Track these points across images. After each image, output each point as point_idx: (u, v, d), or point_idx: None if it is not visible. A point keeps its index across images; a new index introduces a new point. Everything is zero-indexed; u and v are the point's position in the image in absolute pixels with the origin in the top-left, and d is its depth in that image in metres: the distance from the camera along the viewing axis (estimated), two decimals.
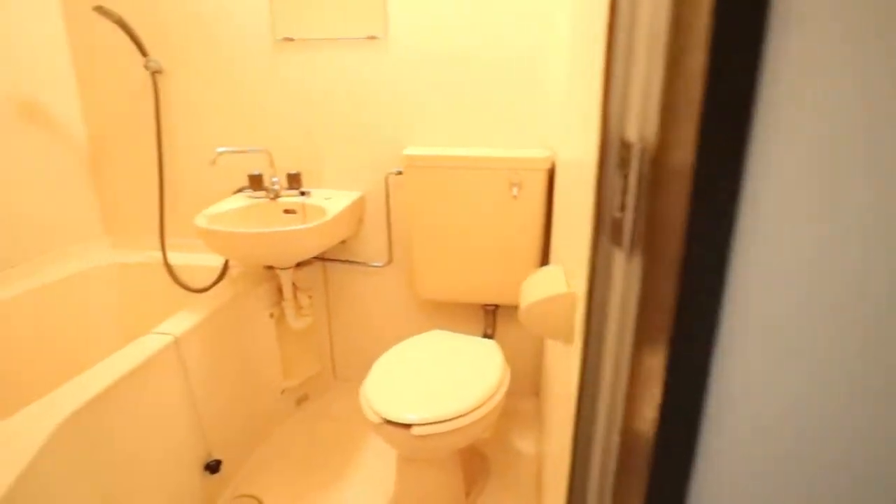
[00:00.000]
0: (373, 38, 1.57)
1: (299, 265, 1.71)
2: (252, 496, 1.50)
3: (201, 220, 1.45)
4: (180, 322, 1.36)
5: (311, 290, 1.78)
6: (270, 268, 1.73)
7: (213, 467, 1.42)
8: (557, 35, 1.47)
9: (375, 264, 1.81)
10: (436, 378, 1.32)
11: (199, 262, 1.80)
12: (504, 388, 1.33)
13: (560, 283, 0.86)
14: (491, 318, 1.74)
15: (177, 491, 1.31)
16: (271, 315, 1.67)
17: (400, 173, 1.65)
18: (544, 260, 1.63)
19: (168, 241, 1.82)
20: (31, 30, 1.61)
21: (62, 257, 1.76)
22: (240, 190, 1.73)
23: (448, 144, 1.64)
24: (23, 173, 1.62)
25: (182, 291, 1.77)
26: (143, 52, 1.63)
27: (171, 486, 1.29)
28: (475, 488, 1.49)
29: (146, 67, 1.65)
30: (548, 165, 1.48)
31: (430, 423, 1.17)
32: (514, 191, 1.50)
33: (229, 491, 1.51)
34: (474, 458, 1.60)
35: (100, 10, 1.50)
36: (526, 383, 1.90)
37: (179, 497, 1.32)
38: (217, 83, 1.69)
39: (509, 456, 1.64)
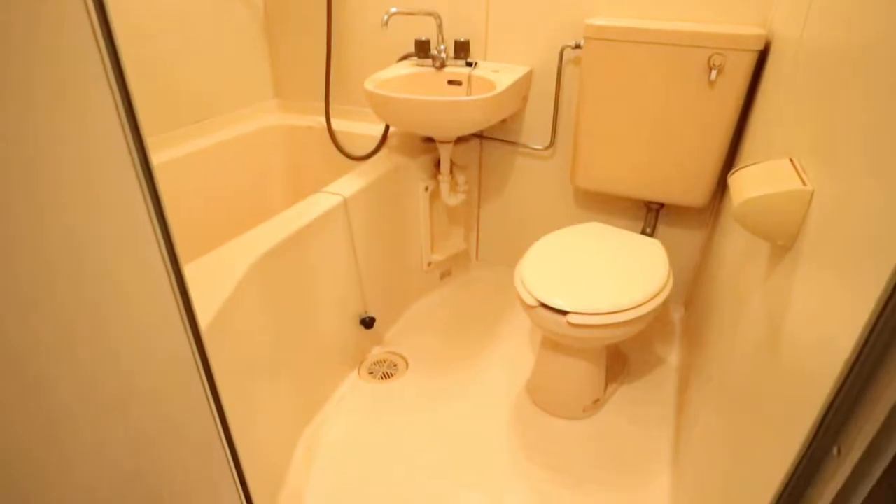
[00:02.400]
0: None
1: (458, 141, 1.67)
2: (399, 354, 1.61)
3: (370, 85, 1.44)
4: (348, 184, 1.41)
5: (467, 167, 1.75)
6: (429, 141, 1.72)
7: (367, 323, 1.53)
8: None
9: (535, 147, 1.72)
10: (596, 269, 1.26)
11: (360, 129, 1.84)
12: (668, 290, 1.24)
13: (790, 177, 0.72)
14: (653, 216, 1.61)
15: (337, 338, 1.44)
16: (426, 189, 1.69)
17: (578, 47, 1.50)
18: (729, 157, 1.44)
19: (332, 108, 1.86)
20: None
21: (236, 118, 1.87)
22: (404, 57, 1.69)
23: (638, 15, 1.44)
24: (207, 35, 1.69)
25: (341, 157, 1.83)
26: None
27: (333, 332, 1.41)
28: (613, 385, 1.48)
29: None
30: (760, 45, 1.25)
31: (589, 314, 1.13)
32: (713, 74, 1.30)
33: (380, 347, 1.64)
34: (615, 355, 1.57)
35: None
36: (675, 292, 1.79)
37: (339, 344, 1.45)
38: None
39: (650, 361, 1.59)
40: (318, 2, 1.77)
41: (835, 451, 0.42)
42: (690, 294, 1.72)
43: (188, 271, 1.01)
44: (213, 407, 0.74)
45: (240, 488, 0.86)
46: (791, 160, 0.79)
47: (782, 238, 0.72)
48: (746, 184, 0.76)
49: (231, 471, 0.82)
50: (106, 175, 0.52)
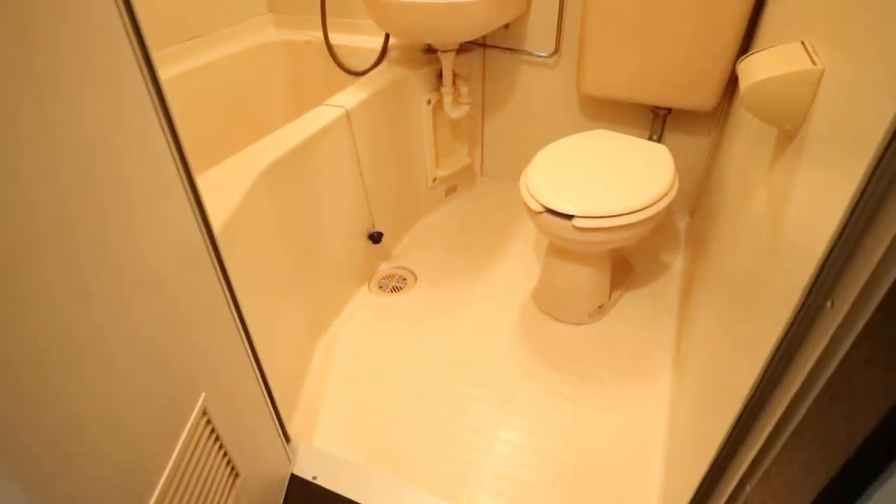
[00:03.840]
0: None
1: (460, 50, 1.62)
2: (407, 269, 1.65)
3: None
4: (350, 97, 1.39)
5: (470, 78, 1.71)
6: (431, 52, 1.67)
7: (375, 238, 1.55)
8: None
9: (540, 54, 1.66)
10: (602, 174, 1.26)
11: (359, 43, 1.78)
12: (673, 193, 1.25)
13: (801, 58, 0.71)
14: (660, 123, 1.58)
15: (346, 252, 1.47)
16: (428, 102, 1.65)
17: None
18: (741, 55, 1.39)
19: (329, 21, 1.79)
20: None
21: (230, 33, 1.81)
22: None
23: None
24: None
25: (341, 72, 1.78)
26: None
27: (342, 246, 1.44)
28: (618, 290, 1.51)
29: None
30: None
31: (593, 217, 1.14)
32: None
33: (388, 262, 1.67)
34: (620, 262, 1.60)
35: None
36: (681, 201, 1.79)
37: (348, 258, 1.48)
38: None
39: (655, 268, 1.62)
40: None
41: (828, 304, 0.44)
42: (696, 203, 1.72)
43: (204, 178, 1.02)
44: (230, 304, 0.78)
45: (261, 383, 0.91)
46: (803, 43, 0.77)
47: (790, 121, 0.72)
48: (756, 67, 0.74)
49: (253, 368, 0.87)
50: (122, 93, 0.53)
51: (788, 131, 0.75)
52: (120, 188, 0.53)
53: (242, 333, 0.82)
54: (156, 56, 1.53)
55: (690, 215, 1.79)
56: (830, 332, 0.43)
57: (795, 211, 0.66)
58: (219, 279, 0.73)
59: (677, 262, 1.63)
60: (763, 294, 0.71)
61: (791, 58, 0.73)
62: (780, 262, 0.66)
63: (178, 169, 0.64)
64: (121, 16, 0.53)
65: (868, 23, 0.56)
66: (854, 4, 0.62)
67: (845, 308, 0.42)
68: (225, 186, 0.99)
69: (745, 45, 1.37)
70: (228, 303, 0.77)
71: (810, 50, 0.74)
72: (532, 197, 1.21)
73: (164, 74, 1.52)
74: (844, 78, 0.60)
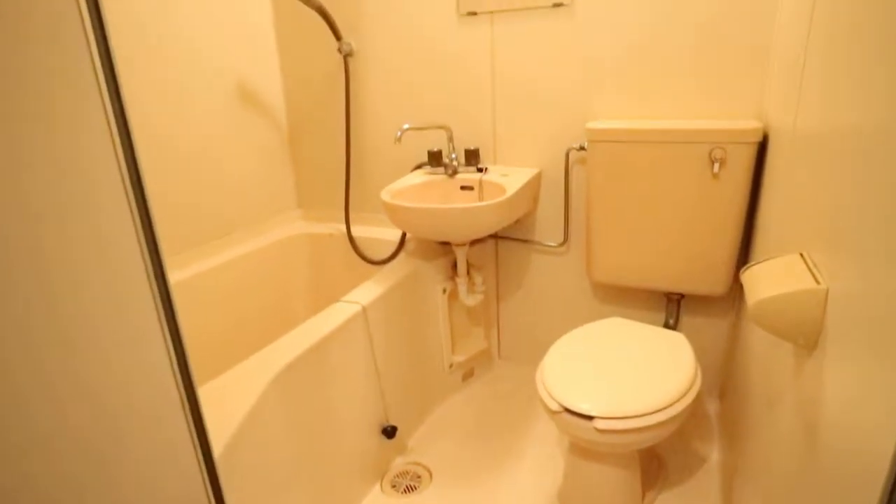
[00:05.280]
0: (559, 4, 1.48)
1: (474, 242, 1.71)
2: (422, 465, 1.55)
3: (386, 195, 1.50)
4: (366, 292, 1.44)
5: (483, 267, 1.77)
6: (446, 244, 1.76)
7: (389, 432, 1.49)
8: None
9: (549, 244, 1.74)
10: (620, 369, 1.23)
11: (379, 235, 1.90)
12: (696, 388, 1.20)
13: (803, 276, 0.72)
14: (674, 307, 1.58)
15: (359, 450, 1.40)
16: (444, 290, 1.70)
17: (582, 149, 1.56)
18: (744, 246, 1.44)
19: (351, 215, 1.94)
20: (246, 18, 1.79)
21: (261, 230, 1.96)
22: (419, 166, 1.78)
23: (637, 116, 1.50)
24: (234, 153, 1.82)
25: (362, 261, 1.88)
26: (338, 36, 1.73)
27: (355, 445, 1.38)
28: (651, 491, 1.39)
29: (339, 51, 1.75)
30: (757, 138, 1.28)
31: (616, 419, 1.09)
32: (715, 167, 1.33)
33: (403, 457, 1.58)
34: (651, 458, 1.48)
35: None
36: (707, 383, 1.72)
37: (361, 456, 1.41)
38: (403, 62, 1.73)
39: (689, 461, 1.49)
40: (337, 118, 1.90)
41: None
42: (724, 384, 1.65)
43: (210, 388, 1.01)
44: None
45: None
46: (802, 255, 0.79)
47: (804, 338, 0.70)
48: (759, 283, 0.75)
49: None
50: (123, 299, 0.55)
51: (804, 346, 0.73)
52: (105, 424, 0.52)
53: None
54: (188, 255, 1.65)
55: (720, 399, 1.70)
56: None
57: (832, 437, 0.61)
58: None
59: (713, 453, 1.51)
60: None
61: (792, 273, 0.74)
62: (830, 486, 0.59)
63: (180, 392, 0.63)
64: (135, 226, 0.56)
65: (866, 236, 0.57)
66: (849, 216, 0.64)
67: None
68: (235, 395, 0.98)
69: (749, 233, 1.43)
70: None
71: (810, 264, 0.75)
72: (549, 395, 1.17)
73: (191, 271, 1.62)
74: (852, 296, 0.60)
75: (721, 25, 1.35)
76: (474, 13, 1.58)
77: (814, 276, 0.71)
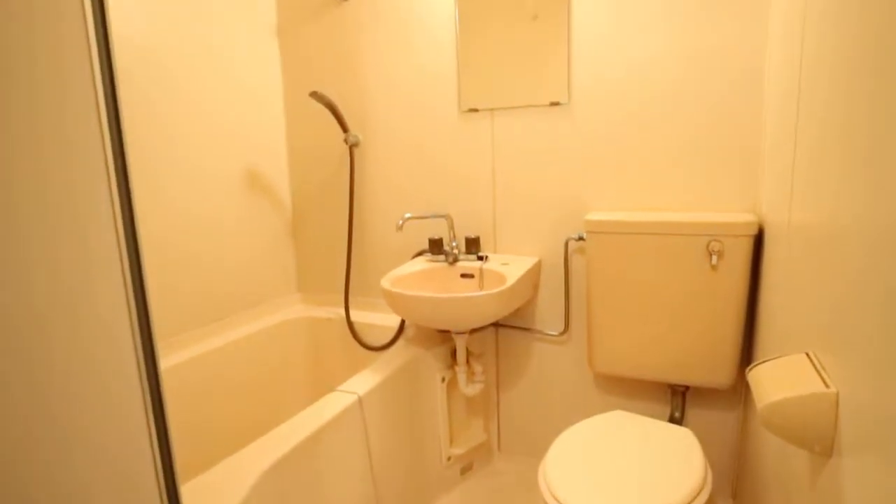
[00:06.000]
0: (556, 104, 1.56)
1: (474, 330, 1.69)
2: None
3: (386, 283, 1.51)
4: (363, 381, 1.40)
5: (483, 356, 1.75)
6: (445, 331, 1.74)
7: None
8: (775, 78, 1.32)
9: (550, 333, 1.73)
10: (627, 468, 1.17)
11: (378, 321, 1.88)
12: (708, 489, 1.14)
13: (811, 378, 0.70)
14: (680, 399, 1.54)
15: None
16: (443, 379, 1.66)
17: (581, 239, 1.58)
18: (746, 338, 1.42)
19: (351, 300, 1.93)
20: (261, 111, 1.88)
21: (261, 310, 1.95)
22: (419, 253, 1.80)
23: (636, 207, 1.54)
24: (239, 230, 1.84)
25: (360, 347, 1.85)
26: (345, 129, 1.81)
27: None
28: None
29: (345, 141, 1.82)
30: (753, 231, 1.31)
31: None
32: (713, 259, 1.34)
33: None
34: None
35: (315, 95, 1.70)
36: (720, 482, 1.63)
37: None
38: (405, 154, 1.80)
39: None
40: (341, 204, 1.95)
41: None
42: (737, 484, 1.57)
43: (195, 485, 0.96)
44: None
45: None
46: (808, 355, 0.78)
47: (818, 444, 0.68)
48: (766, 384, 0.73)
49: None
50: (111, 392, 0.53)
51: (820, 453, 0.70)
52: None
53: None
54: (186, 336, 1.63)
55: (733, 499, 1.61)
56: None
57: None
58: None
59: None
60: None
61: (800, 374, 0.73)
62: None
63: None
64: (129, 315, 0.55)
65: (870, 337, 0.56)
66: (851, 316, 0.63)
67: None
68: (223, 491, 0.93)
69: (751, 325, 1.41)
70: None
71: (818, 365, 0.74)
72: (553, 497, 1.11)
73: (188, 354, 1.59)
74: (863, 401, 0.58)
75: (714, 126, 1.42)
76: (475, 110, 1.67)
77: (822, 378, 0.69)
